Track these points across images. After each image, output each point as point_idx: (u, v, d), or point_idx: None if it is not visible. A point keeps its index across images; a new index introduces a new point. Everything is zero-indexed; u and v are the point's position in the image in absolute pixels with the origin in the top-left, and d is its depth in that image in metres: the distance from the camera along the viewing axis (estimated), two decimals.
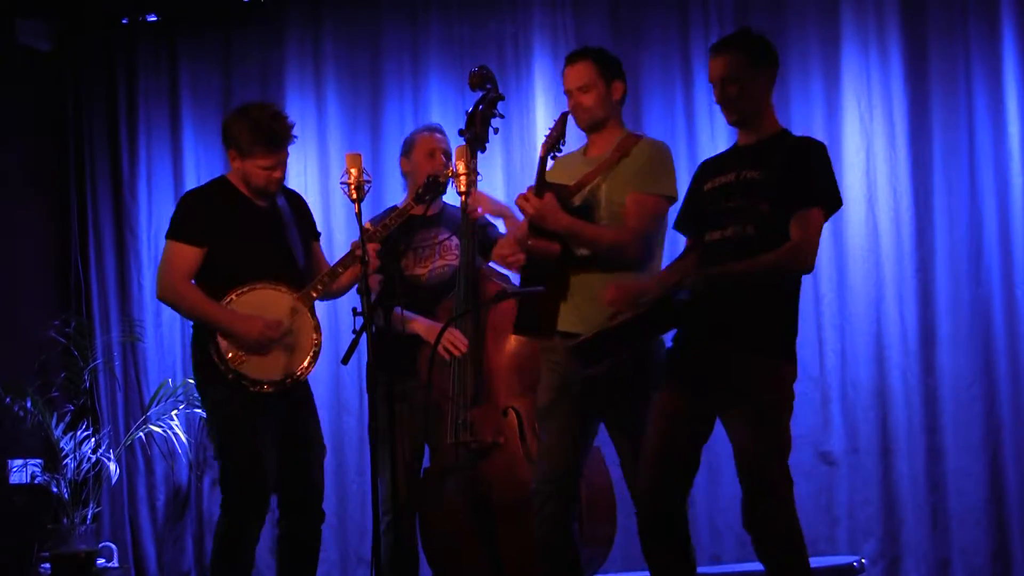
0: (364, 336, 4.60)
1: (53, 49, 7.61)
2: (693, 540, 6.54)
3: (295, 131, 5.13)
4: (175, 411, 7.10)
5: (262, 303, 4.99)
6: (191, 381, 6.22)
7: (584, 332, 4.44)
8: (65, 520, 6.96)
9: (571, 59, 4.92)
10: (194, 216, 5.05)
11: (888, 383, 6.38)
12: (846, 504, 6.41)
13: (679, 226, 4.57)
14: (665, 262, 4.78)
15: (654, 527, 4.34)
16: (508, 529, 5.01)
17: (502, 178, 6.91)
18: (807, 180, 4.23)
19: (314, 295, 5.06)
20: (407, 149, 5.65)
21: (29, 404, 6.96)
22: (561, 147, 4.91)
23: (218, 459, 5.15)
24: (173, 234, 5.03)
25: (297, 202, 5.32)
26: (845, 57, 6.51)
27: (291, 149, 7.14)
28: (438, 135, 5.60)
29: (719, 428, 4.37)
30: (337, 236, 7.12)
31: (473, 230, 5.30)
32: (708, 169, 4.47)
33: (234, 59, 7.46)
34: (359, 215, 4.84)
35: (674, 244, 4.82)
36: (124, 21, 7.58)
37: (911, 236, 6.38)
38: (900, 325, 6.37)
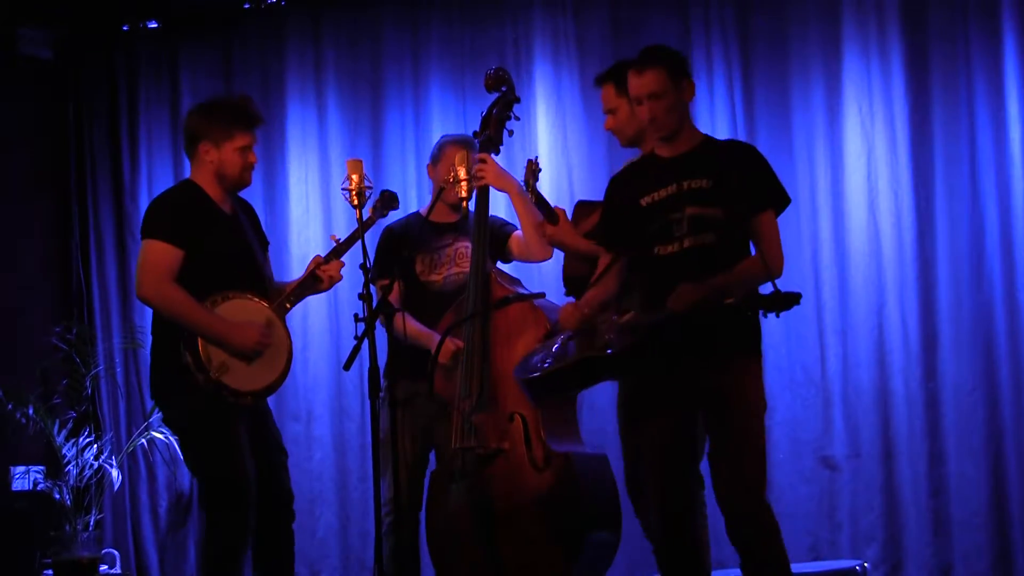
0: (366, 342, 4.61)
1: (54, 57, 7.61)
2: None
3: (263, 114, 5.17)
4: None
5: (241, 312, 4.92)
6: None
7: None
8: (68, 527, 6.96)
9: (596, 83, 5.09)
10: (172, 217, 4.91)
11: (890, 388, 6.38)
12: (848, 508, 6.41)
13: (606, 243, 4.52)
14: None
15: (670, 541, 4.33)
16: (510, 534, 5.01)
17: None
18: (755, 185, 4.26)
19: (288, 307, 5.05)
20: (435, 158, 5.56)
21: (31, 411, 6.96)
22: (536, 188, 5.10)
23: (200, 473, 5.05)
24: (153, 233, 4.87)
25: (249, 210, 5.26)
26: (846, 62, 6.51)
27: (293, 156, 7.26)
28: (464, 150, 5.41)
29: None
30: (332, 242, 7.11)
31: (485, 234, 5.29)
32: (632, 182, 4.43)
33: (235, 66, 7.47)
34: (360, 221, 4.86)
35: None
36: (125, 28, 7.58)
37: (912, 241, 6.38)
38: (902, 330, 6.37)
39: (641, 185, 4.37)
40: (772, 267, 4.20)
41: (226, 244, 4.99)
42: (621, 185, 4.48)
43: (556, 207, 5.08)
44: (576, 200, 5.55)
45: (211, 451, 4.90)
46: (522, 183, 5.20)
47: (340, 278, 5.14)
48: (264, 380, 4.95)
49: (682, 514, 4.31)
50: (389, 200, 5.17)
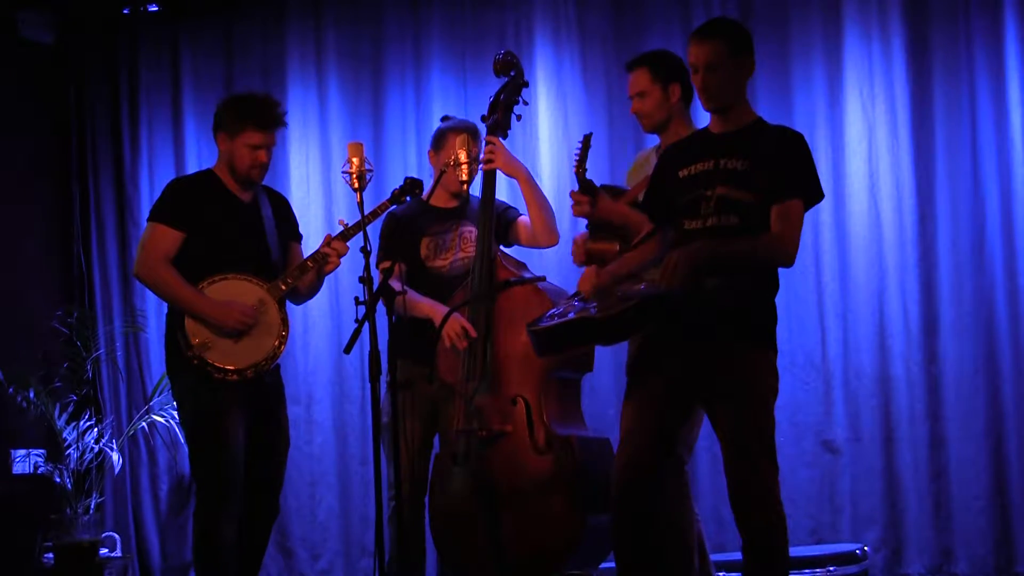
0: (366, 325, 4.61)
1: (55, 41, 7.59)
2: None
3: (287, 118, 5.25)
4: None
5: (232, 292, 5.07)
6: None
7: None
8: (68, 510, 6.96)
9: (629, 67, 5.05)
10: (178, 201, 5.13)
11: (891, 372, 6.38)
12: (849, 492, 6.42)
13: (646, 209, 4.51)
14: None
15: (627, 508, 4.27)
16: (513, 517, 5.01)
17: None
18: (790, 172, 4.20)
19: (283, 288, 5.12)
20: (437, 144, 5.52)
21: (32, 394, 6.96)
22: (587, 167, 4.98)
23: (188, 445, 5.21)
24: (156, 216, 5.11)
25: (279, 202, 5.40)
26: (847, 45, 6.51)
27: (294, 139, 7.24)
28: (465, 134, 5.35)
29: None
30: (339, 226, 7.10)
31: (491, 217, 5.29)
32: (678, 154, 4.42)
33: (236, 49, 7.45)
34: (361, 204, 4.86)
35: None
36: (125, 12, 7.56)
37: (913, 224, 6.38)
38: (903, 314, 6.37)
39: (685, 156, 4.36)
40: (782, 252, 4.18)
41: (231, 231, 5.13)
42: (670, 154, 4.47)
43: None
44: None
45: (196, 424, 5.08)
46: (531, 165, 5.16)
47: (345, 252, 5.17)
48: (249, 358, 5.05)
49: (639, 480, 4.26)
50: (411, 186, 5.15)
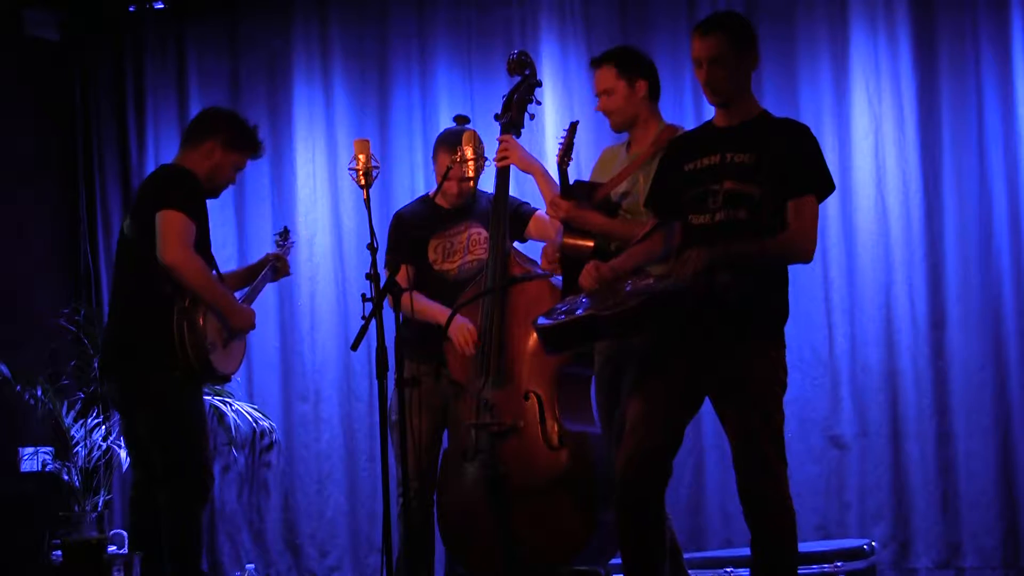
0: (373, 322, 4.61)
1: (61, 39, 7.60)
2: (704, 524, 6.59)
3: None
4: None
5: None
6: None
7: None
8: (76, 508, 6.97)
9: (594, 64, 5.05)
10: (193, 193, 5.01)
11: (898, 366, 6.38)
12: (856, 487, 6.41)
13: (650, 204, 4.50)
14: None
15: (631, 503, 4.26)
16: (523, 512, 5.02)
17: None
18: (800, 166, 4.20)
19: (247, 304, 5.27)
20: (433, 155, 5.61)
21: (39, 392, 6.96)
22: (572, 156, 5.05)
23: (172, 444, 5.01)
24: (176, 204, 4.92)
25: None
26: (853, 40, 6.50)
27: (300, 136, 7.28)
28: (447, 146, 5.45)
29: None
30: (346, 223, 7.13)
31: (505, 213, 5.31)
32: (684, 148, 4.41)
33: (241, 46, 7.46)
34: (367, 201, 4.86)
35: None
36: (131, 9, 7.56)
37: (920, 219, 6.37)
38: (910, 308, 6.37)
39: (690, 150, 4.35)
40: (800, 249, 4.18)
41: (207, 233, 5.10)
42: (674, 148, 4.46)
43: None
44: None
45: (184, 422, 4.99)
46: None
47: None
48: (235, 363, 5.16)
49: (650, 494, 4.26)
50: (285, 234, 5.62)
